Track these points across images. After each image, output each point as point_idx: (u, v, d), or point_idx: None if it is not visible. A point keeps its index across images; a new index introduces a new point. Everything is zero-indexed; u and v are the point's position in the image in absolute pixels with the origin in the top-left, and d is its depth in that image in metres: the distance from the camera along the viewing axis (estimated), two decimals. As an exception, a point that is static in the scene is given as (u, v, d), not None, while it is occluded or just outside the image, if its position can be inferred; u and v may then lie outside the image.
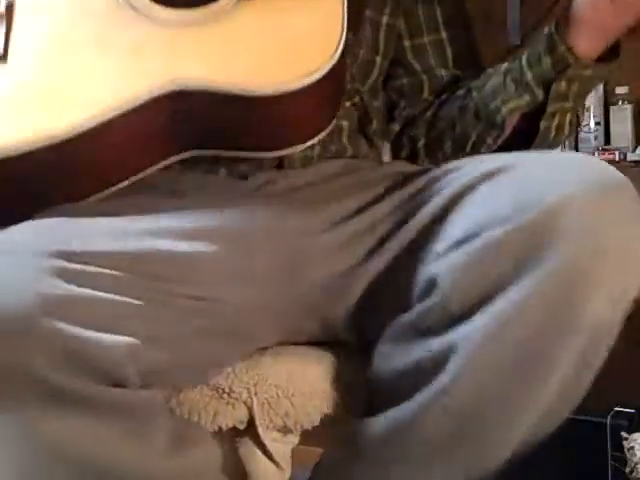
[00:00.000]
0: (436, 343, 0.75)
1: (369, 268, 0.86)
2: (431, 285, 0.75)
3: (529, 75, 0.93)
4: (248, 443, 0.91)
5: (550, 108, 0.94)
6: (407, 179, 0.90)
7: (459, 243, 0.74)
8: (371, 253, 0.86)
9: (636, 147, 2.02)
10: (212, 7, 0.87)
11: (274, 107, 0.83)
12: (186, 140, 0.86)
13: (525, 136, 0.98)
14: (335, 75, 0.85)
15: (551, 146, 0.99)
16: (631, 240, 0.71)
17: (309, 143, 0.88)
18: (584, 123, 2.08)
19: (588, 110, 2.07)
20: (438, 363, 0.74)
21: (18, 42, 0.87)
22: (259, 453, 0.91)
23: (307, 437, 0.96)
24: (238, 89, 0.82)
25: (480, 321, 0.72)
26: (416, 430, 0.76)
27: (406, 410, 0.77)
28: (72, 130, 0.80)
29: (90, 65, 0.85)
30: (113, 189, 0.86)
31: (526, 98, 0.95)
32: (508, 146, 1.01)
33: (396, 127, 1.11)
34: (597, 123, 2.08)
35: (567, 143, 2.07)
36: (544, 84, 0.93)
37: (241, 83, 0.82)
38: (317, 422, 0.90)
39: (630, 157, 2.00)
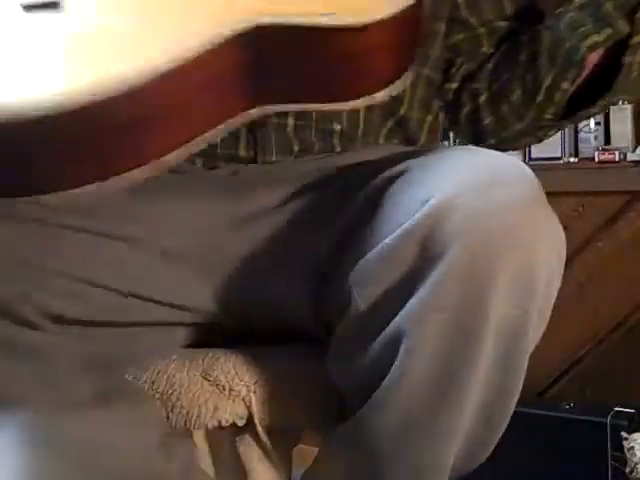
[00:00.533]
0: (371, 353, 0.76)
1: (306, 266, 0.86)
2: (348, 298, 0.76)
3: (609, 6, 0.88)
4: (248, 442, 0.91)
5: (635, 39, 0.88)
6: (336, 180, 0.90)
7: (365, 253, 0.75)
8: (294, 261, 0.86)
9: (636, 147, 2.02)
10: None
11: (357, 40, 0.76)
12: (262, 88, 0.78)
13: (605, 76, 0.93)
14: (419, 9, 0.79)
15: (633, 87, 0.94)
16: (520, 235, 0.69)
17: (384, 92, 0.81)
18: (584, 123, 2.08)
19: (588, 110, 2.07)
20: (380, 370, 0.75)
21: None
22: (259, 452, 0.91)
23: (307, 437, 0.96)
24: (324, 22, 0.74)
25: (393, 330, 0.73)
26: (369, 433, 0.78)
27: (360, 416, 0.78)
28: (143, 74, 0.70)
29: (160, 5, 0.76)
30: (179, 152, 0.75)
31: (607, 31, 0.88)
32: (586, 89, 0.95)
33: (453, 85, 1.06)
34: (597, 123, 2.07)
35: (567, 142, 2.08)
36: (627, 15, 0.87)
37: (324, 14, 0.74)
38: (317, 422, 0.90)
39: (630, 157, 2.00)
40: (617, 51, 0.90)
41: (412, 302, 0.71)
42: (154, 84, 0.70)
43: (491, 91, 1.03)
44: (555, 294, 0.75)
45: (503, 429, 0.79)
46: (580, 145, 2.10)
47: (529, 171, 0.74)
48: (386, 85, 0.80)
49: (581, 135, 2.09)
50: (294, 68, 0.77)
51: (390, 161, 0.83)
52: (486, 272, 0.69)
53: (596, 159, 2.02)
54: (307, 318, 0.88)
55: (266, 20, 0.74)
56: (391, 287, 0.72)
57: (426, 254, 0.70)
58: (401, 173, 0.78)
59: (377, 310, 0.74)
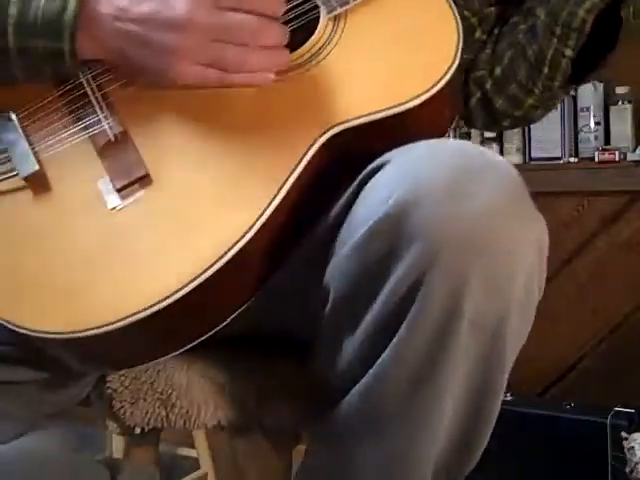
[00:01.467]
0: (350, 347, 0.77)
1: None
2: (327, 295, 0.77)
3: None
4: (247, 442, 0.91)
5: None
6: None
7: (341, 247, 0.76)
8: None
9: (636, 147, 2.02)
10: (316, 38, 0.85)
11: (422, 112, 0.80)
12: (344, 173, 0.83)
13: (602, 31, 0.96)
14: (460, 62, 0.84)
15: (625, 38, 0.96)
16: (491, 238, 0.70)
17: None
18: (584, 123, 2.08)
19: (588, 110, 2.06)
20: (363, 361, 0.75)
21: (154, 157, 0.79)
22: (258, 452, 0.91)
23: (307, 437, 0.96)
24: (392, 110, 0.79)
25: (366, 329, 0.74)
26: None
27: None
28: (264, 214, 0.75)
29: (246, 147, 0.80)
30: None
31: None
32: (590, 48, 0.97)
33: None
34: (597, 123, 2.07)
35: (567, 142, 2.08)
36: None
37: (392, 102, 0.79)
38: (317, 424, 0.90)
39: (630, 157, 2.00)
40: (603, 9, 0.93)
41: (385, 296, 0.71)
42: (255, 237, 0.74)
43: (494, 76, 1.05)
44: (538, 290, 0.75)
45: (489, 428, 0.79)
46: (580, 145, 2.10)
47: (505, 167, 0.74)
48: (445, 132, 0.86)
49: (581, 135, 2.09)
50: (371, 149, 0.80)
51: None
52: (458, 270, 0.69)
53: (596, 159, 2.02)
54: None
55: (336, 130, 0.79)
56: (362, 282, 0.73)
57: (393, 248, 0.70)
58: (374, 170, 0.78)
59: (352, 306, 0.75)
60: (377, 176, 0.76)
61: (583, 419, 1.80)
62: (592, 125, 2.07)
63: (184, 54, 0.76)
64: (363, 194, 0.77)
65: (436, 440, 0.77)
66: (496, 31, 1.06)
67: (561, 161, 2.09)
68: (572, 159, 2.09)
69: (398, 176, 0.74)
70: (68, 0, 0.75)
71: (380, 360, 0.73)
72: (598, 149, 2.03)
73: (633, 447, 1.70)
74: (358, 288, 0.74)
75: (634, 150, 2.01)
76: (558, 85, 1.00)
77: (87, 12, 0.76)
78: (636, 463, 1.68)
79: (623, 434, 1.73)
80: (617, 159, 1.99)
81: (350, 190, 0.79)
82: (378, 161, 0.78)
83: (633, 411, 1.78)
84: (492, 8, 1.06)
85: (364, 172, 0.78)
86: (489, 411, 0.78)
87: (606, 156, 2.00)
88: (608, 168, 2.01)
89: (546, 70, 0.99)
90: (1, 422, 0.80)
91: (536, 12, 0.99)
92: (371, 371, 0.74)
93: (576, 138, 2.09)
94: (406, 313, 0.71)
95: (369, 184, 0.77)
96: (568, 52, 0.96)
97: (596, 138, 2.07)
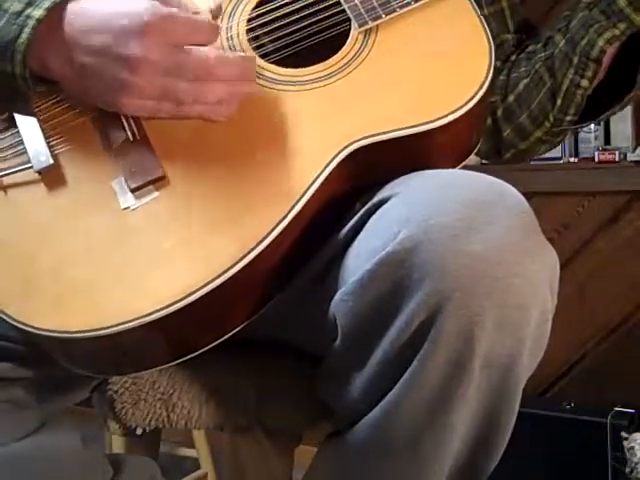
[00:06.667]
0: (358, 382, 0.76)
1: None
2: (334, 325, 0.76)
3: (621, 2, 0.89)
4: (248, 442, 0.91)
5: None
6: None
7: (346, 278, 0.74)
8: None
9: (636, 147, 2.02)
10: (345, 50, 0.84)
11: (449, 132, 0.80)
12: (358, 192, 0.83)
13: (620, 70, 0.95)
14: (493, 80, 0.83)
15: None
16: (501, 262, 0.68)
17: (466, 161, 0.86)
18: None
19: (588, 110, 2.06)
20: (371, 396, 0.75)
21: (170, 159, 0.78)
22: (259, 452, 0.91)
23: (309, 437, 0.96)
24: (419, 127, 0.78)
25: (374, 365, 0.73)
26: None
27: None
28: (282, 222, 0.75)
29: (266, 155, 0.79)
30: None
31: (621, 26, 0.90)
32: (605, 86, 0.96)
33: None
34: (597, 123, 2.07)
35: (567, 142, 2.08)
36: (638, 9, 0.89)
37: (420, 120, 0.78)
38: (318, 423, 0.90)
39: (630, 157, 2.00)
40: (624, 45, 0.92)
41: (395, 334, 0.70)
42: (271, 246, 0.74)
43: (506, 103, 1.03)
44: (550, 319, 0.74)
45: (497, 456, 0.79)
46: (580, 145, 2.09)
47: (517, 197, 0.73)
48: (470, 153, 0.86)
49: (581, 135, 2.09)
50: (391, 168, 0.79)
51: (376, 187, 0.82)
52: (471, 310, 0.68)
53: (596, 159, 2.02)
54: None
55: (358, 144, 0.77)
56: (370, 318, 0.72)
57: (402, 285, 0.69)
58: (381, 201, 0.77)
59: (360, 342, 0.74)
60: (384, 208, 0.75)
61: (583, 419, 1.80)
62: (592, 125, 2.07)
63: (134, 91, 0.76)
64: (370, 226, 0.76)
65: (443, 471, 0.76)
66: (513, 58, 1.04)
67: (561, 161, 2.09)
68: (572, 159, 2.09)
69: (407, 210, 0.72)
70: (24, 27, 0.76)
71: (390, 395, 0.73)
72: (598, 149, 2.03)
73: (633, 447, 1.70)
74: (366, 324, 0.73)
75: (634, 150, 2.01)
76: (569, 119, 0.98)
77: (41, 41, 0.76)
78: (636, 463, 1.68)
79: (623, 434, 1.73)
80: (617, 159, 1.99)
81: (356, 218, 0.78)
82: (386, 192, 0.77)
83: (633, 411, 1.78)
84: (509, 35, 1.04)
85: (371, 202, 0.77)
86: (498, 441, 0.78)
87: (606, 156, 2.00)
88: (608, 168, 2.01)
89: (559, 102, 0.97)
90: (21, 412, 0.81)
91: (555, 40, 0.97)
92: (380, 405, 0.74)
93: (576, 138, 2.09)
94: (417, 351, 0.70)
95: (376, 215, 0.75)
96: (584, 83, 0.94)
97: (596, 138, 2.07)
